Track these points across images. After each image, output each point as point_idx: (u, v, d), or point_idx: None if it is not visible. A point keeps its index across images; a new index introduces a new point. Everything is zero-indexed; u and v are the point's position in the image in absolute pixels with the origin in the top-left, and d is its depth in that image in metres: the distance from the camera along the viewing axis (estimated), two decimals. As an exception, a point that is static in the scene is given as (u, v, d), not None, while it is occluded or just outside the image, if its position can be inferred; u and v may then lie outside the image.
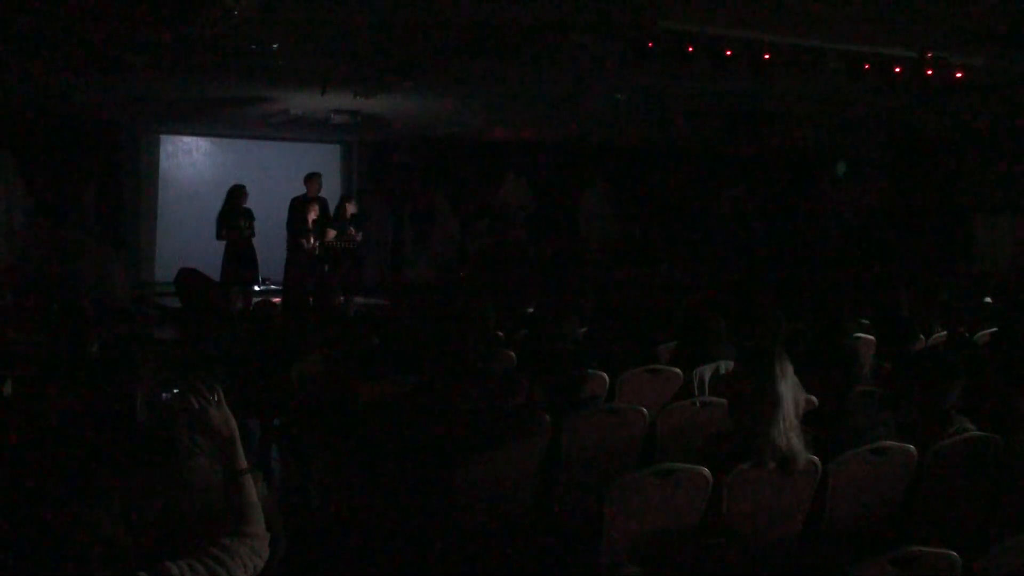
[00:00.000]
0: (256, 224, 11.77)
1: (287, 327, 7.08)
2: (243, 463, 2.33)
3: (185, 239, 13.36)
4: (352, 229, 12.08)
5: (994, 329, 6.51)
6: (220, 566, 2.15)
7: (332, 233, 11.92)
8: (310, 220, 11.69)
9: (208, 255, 11.91)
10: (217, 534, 2.23)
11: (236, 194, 11.64)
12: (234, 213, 11.56)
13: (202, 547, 2.17)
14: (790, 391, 3.55)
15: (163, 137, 14.16)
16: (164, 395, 2.37)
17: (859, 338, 6.30)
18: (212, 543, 2.20)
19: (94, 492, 2.25)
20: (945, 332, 6.79)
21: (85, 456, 2.57)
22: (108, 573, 2.01)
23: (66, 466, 2.56)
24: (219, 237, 11.61)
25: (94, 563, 2.01)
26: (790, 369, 3.59)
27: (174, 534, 2.30)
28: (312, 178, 12.19)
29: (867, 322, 7.08)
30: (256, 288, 12.00)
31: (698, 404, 4.76)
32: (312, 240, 11.70)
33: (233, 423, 2.33)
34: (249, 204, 11.78)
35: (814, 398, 4.04)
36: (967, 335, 6.60)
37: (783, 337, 5.49)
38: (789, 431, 3.50)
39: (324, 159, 14.65)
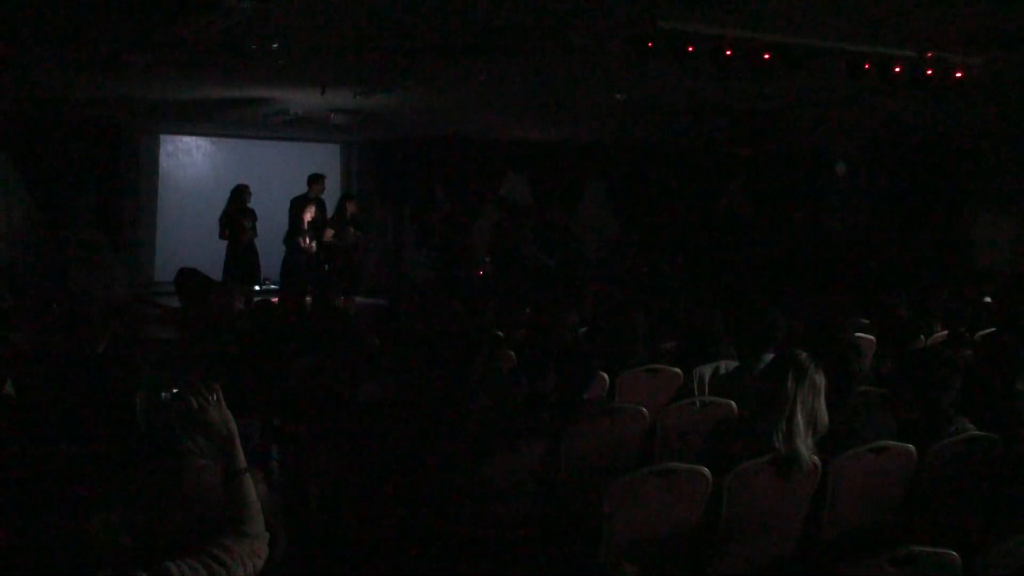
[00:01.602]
0: (256, 224, 11.79)
1: (287, 327, 7.09)
2: (242, 462, 2.33)
3: (185, 239, 13.35)
4: (351, 228, 12.08)
5: (994, 329, 6.51)
6: (220, 566, 2.16)
7: (330, 232, 11.93)
8: (305, 220, 11.70)
9: (208, 255, 11.90)
10: (217, 534, 2.23)
11: (240, 194, 11.64)
12: (238, 213, 11.57)
13: (202, 547, 2.18)
14: (804, 398, 3.54)
15: (163, 137, 14.15)
16: (164, 395, 2.38)
17: (859, 338, 6.30)
18: (212, 543, 2.20)
19: (94, 493, 2.25)
20: (947, 332, 6.79)
21: (85, 457, 2.57)
22: (109, 573, 2.01)
23: (66, 467, 2.56)
24: (222, 236, 11.62)
25: (95, 564, 2.01)
26: (812, 377, 3.58)
27: (175, 534, 2.30)
28: (315, 179, 12.23)
29: (867, 322, 7.09)
30: (256, 288, 12.01)
31: (698, 404, 4.77)
32: (308, 240, 11.69)
33: (232, 423, 2.34)
34: (250, 204, 11.79)
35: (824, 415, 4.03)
36: (968, 335, 6.60)
37: (782, 337, 5.48)
38: (793, 435, 3.50)
39: (324, 159, 14.65)
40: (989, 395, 4.54)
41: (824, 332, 5.55)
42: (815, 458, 3.57)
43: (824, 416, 3.60)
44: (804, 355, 3.66)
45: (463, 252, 14.06)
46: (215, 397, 2.32)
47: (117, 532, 2.08)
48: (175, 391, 2.33)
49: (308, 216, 11.73)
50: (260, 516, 2.31)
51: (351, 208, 12.29)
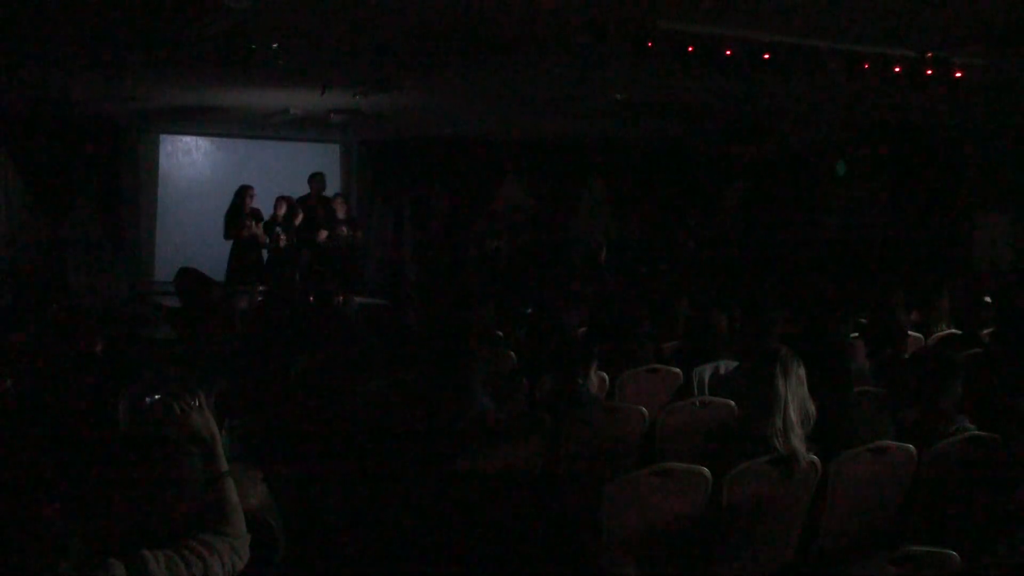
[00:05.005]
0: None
1: (286, 326, 7.09)
2: (224, 466, 2.40)
3: (185, 239, 13.36)
4: (343, 228, 12.11)
5: (994, 329, 6.51)
6: (197, 559, 2.20)
7: (324, 233, 11.96)
8: (279, 218, 11.77)
9: (208, 255, 11.90)
10: (197, 531, 2.27)
11: (241, 194, 11.67)
12: (240, 212, 11.59)
13: (181, 541, 2.21)
14: (793, 393, 3.55)
15: (163, 137, 14.15)
16: (147, 400, 2.40)
17: (856, 338, 6.31)
18: (191, 538, 2.25)
19: (52, 490, 2.26)
20: (954, 331, 6.81)
21: (59, 454, 2.59)
22: (75, 559, 2.02)
23: (35, 463, 2.57)
24: (227, 237, 11.64)
25: (52, 555, 2.02)
26: (796, 371, 3.59)
27: (155, 530, 2.32)
28: (313, 178, 12.28)
29: (864, 321, 7.09)
30: (260, 288, 12.02)
31: (698, 404, 4.76)
32: (281, 238, 11.73)
33: (214, 427, 2.38)
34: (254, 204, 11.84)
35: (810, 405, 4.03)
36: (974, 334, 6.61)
37: (779, 336, 5.48)
38: (788, 432, 3.51)
39: (324, 159, 14.65)
40: (990, 395, 4.54)
41: (822, 332, 5.55)
42: (813, 457, 3.57)
43: (810, 405, 3.62)
44: (785, 350, 3.67)
45: (463, 251, 14.10)
46: (197, 403, 2.36)
47: (68, 527, 2.08)
48: (157, 396, 2.35)
49: (280, 212, 11.81)
50: (241, 517, 2.35)
51: (339, 209, 12.33)
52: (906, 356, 5.36)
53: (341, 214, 12.34)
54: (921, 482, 3.80)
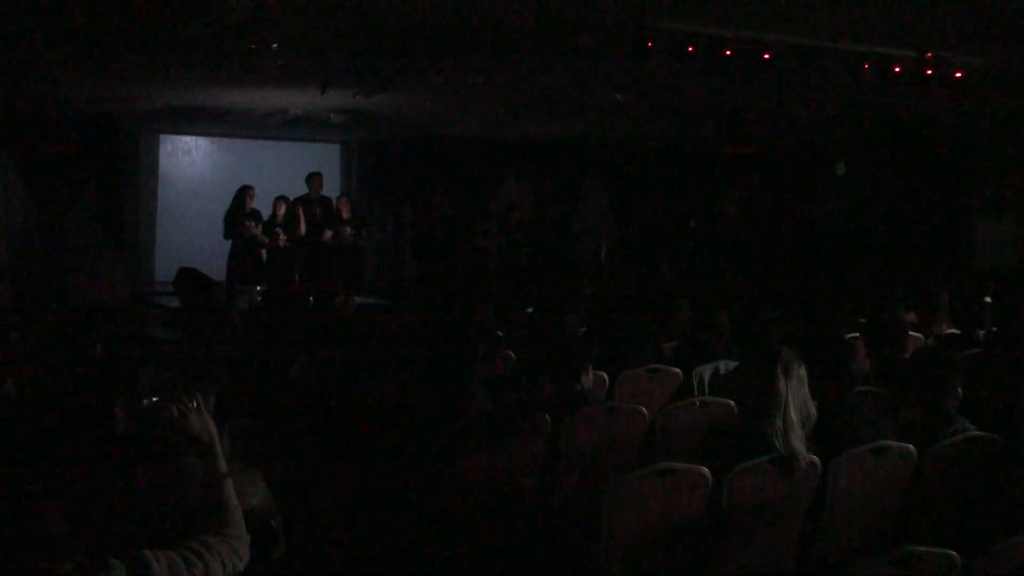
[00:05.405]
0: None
1: (286, 326, 7.09)
2: (223, 467, 2.39)
3: (185, 239, 13.36)
4: (348, 229, 12.12)
5: (994, 329, 6.52)
6: (197, 558, 2.20)
7: (328, 233, 11.98)
8: (278, 218, 11.80)
9: (208, 255, 11.91)
10: (197, 532, 2.27)
11: (242, 194, 11.68)
12: (240, 213, 11.60)
13: (181, 542, 2.21)
14: (794, 393, 3.55)
15: (163, 137, 14.16)
16: (145, 402, 2.40)
17: (856, 338, 6.31)
18: (191, 539, 2.25)
19: (52, 490, 2.26)
20: (956, 331, 6.81)
21: (59, 455, 2.59)
22: (75, 559, 2.03)
23: (35, 463, 2.58)
24: (227, 237, 11.65)
25: (51, 556, 2.02)
26: (798, 372, 3.59)
27: (156, 531, 2.32)
28: (310, 178, 12.28)
29: (863, 321, 7.10)
30: (260, 288, 12.04)
31: (698, 404, 4.77)
32: (281, 238, 11.75)
33: (213, 429, 2.37)
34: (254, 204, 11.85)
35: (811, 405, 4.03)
36: (974, 334, 6.61)
37: (782, 336, 5.48)
38: (788, 432, 3.51)
39: (324, 159, 14.65)
40: (989, 395, 4.54)
41: (822, 332, 5.55)
42: (813, 457, 3.57)
43: (811, 406, 3.62)
44: (787, 350, 3.67)
45: (462, 252, 14.11)
46: (195, 404, 2.36)
47: (68, 527, 2.08)
48: (155, 399, 2.35)
49: (280, 212, 11.84)
50: (240, 518, 2.35)
51: (344, 208, 12.34)
52: (906, 356, 5.36)
53: (346, 214, 12.34)
54: (921, 482, 3.80)
